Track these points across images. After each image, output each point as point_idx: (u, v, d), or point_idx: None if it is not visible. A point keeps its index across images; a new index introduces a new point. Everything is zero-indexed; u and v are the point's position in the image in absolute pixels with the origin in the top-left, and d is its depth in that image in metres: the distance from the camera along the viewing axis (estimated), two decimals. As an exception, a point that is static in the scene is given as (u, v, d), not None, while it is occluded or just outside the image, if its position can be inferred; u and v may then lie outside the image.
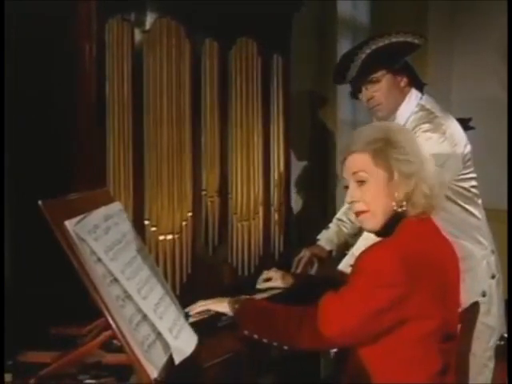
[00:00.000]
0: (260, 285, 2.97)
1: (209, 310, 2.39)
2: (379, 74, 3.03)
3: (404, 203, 2.13)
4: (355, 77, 3.05)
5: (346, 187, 2.22)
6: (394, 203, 2.13)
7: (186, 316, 2.32)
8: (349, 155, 2.18)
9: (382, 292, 2.03)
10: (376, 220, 2.16)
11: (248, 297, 2.54)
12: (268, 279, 2.94)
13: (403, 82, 3.07)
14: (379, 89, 3.04)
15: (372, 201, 2.14)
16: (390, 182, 2.13)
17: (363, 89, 3.08)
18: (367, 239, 2.73)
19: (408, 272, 2.03)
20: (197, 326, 2.27)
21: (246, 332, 2.24)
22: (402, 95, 3.07)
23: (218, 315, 2.39)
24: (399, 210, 2.13)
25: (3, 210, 2.44)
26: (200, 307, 2.40)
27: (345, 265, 2.96)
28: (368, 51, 3.02)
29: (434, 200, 2.15)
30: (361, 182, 2.16)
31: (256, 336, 2.22)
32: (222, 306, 2.33)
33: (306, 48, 4.16)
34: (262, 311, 2.25)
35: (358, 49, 3.06)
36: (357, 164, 2.16)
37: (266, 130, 3.38)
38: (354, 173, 2.17)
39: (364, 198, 2.16)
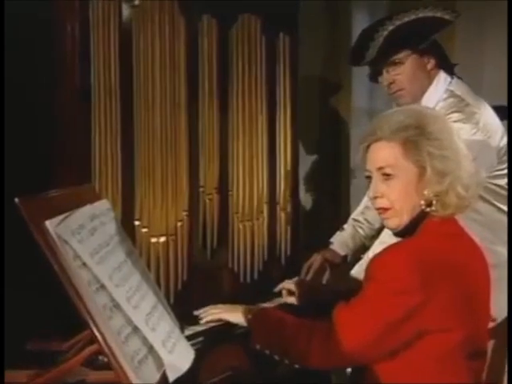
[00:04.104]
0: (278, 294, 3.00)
1: (221, 320, 2.41)
2: (403, 54, 3.02)
3: (434, 202, 2.11)
4: (375, 58, 3.03)
5: (368, 177, 2.19)
6: (422, 202, 2.12)
7: (182, 328, 2.33)
8: (374, 143, 2.16)
9: (396, 301, 2.04)
10: (400, 219, 2.15)
11: (264, 305, 2.55)
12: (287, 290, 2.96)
13: (430, 63, 3.05)
14: (402, 72, 3.02)
15: (398, 198, 2.13)
16: (420, 178, 2.11)
17: (384, 71, 3.06)
18: (385, 243, 2.73)
19: (425, 278, 2.04)
20: (206, 335, 2.29)
21: (257, 346, 2.25)
22: (429, 79, 3.05)
23: (231, 324, 2.42)
24: (428, 209, 2.12)
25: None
26: (211, 315, 2.41)
27: (359, 271, 2.97)
28: (391, 28, 2.99)
29: (467, 201, 2.14)
30: (387, 176, 2.14)
31: (267, 351, 2.23)
32: (235, 315, 2.34)
33: (316, 26, 4.16)
34: (273, 323, 2.26)
35: (380, 25, 3.03)
36: (384, 156, 2.14)
37: (271, 118, 3.38)
38: (380, 168, 2.15)
39: (389, 195, 2.14)
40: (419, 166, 2.11)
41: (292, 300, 2.83)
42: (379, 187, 2.15)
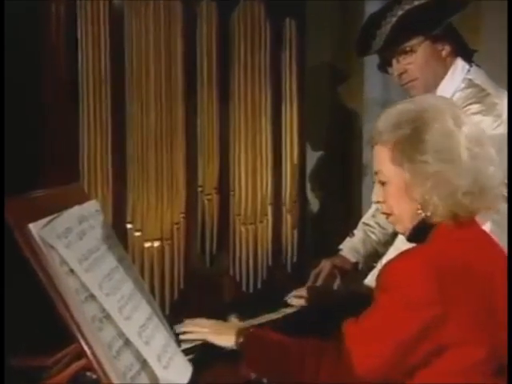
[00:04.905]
0: (291, 300, 3.04)
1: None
2: (414, 41, 3.00)
3: (430, 207, 2.13)
4: (383, 46, 3.03)
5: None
6: (419, 206, 2.14)
7: (178, 341, 2.33)
8: (374, 145, 2.21)
9: (411, 313, 2.02)
10: (402, 225, 2.19)
11: (254, 322, 2.54)
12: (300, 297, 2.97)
13: (445, 50, 3.04)
14: (414, 60, 3.01)
15: (394, 204, 2.18)
16: (408, 182, 2.14)
17: (394, 61, 3.05)
18: (400, 249, 2.72)
19: (444, 287, 2.02)
20: (193, 353, 2.28)
21: (252, 373, 2.24)
22: (444, 68, 3.04)
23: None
24: (424, 214, 2.14)
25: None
26: (194, 335, 2.38)
27: (372, 280, 2.96)
28: (400, 13, 2.98)
29: (469, 207, 2.14)
30: (383, 182, 2.19)
31: (265, 379, 2.23)
32: (223, 338, 2.30)
33: (326, 10, 4.15)
34: (271, 346, 2.23)
35: (388, 10, 3.01)
36: (376, 162, 2.19)
37: (275, 112, 3.38)
38: (376, 173, 2.20)
39: (387, 200, 2.19)
40: (405, 170, 2.14)
41: (300, 302, 2.86)
42: (379, 192, 2.22)
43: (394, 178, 2.16)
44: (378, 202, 2.22)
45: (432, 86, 3.03)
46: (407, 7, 2.99)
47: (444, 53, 3.04)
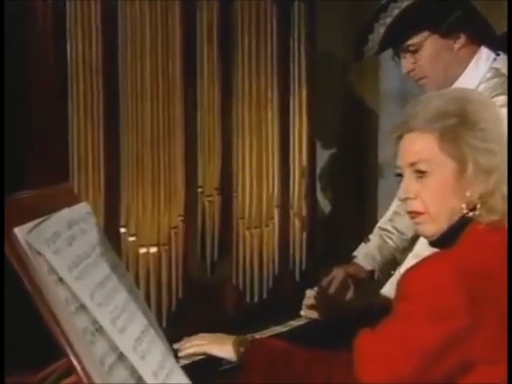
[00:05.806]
0: (304, 312, 3.06)
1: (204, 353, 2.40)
2: (418, 38, 2.97)
3: (478, 206, 2.12)
4: (381, 43, 3.01)
5: (399, 175, 2.21)
6: (463, 205, 2.12)
7: (176, 356, 2.34)
8: (407, 133, 2.17)
9: (436, 325, 2.01)
10: (436, 225, 2.15)
11: (257, 336, 2.53)
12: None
13: (459, 42, 3.00)
14: (420, 58, 3.00)
15: (433, 200, 2.13)
16: (460, 176, 2.12)
17: (402, 57, 3.05)
18: (420, 256, 2.72)
19: (472, 297, 2.02)
20: (189, 370, 2.29)
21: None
22: (459, 61, 3.00)
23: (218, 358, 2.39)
24: (470, 214, 2.13)
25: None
26: (193, 348, 2.39)
27: (390, 289, 2.97)
28: (406, 4, 2.97)
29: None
30: (420, 173, 2.15)
31: None
32: (223, 348, 2.32)
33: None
34: (277, 356, 2.23)
35: (393, 1, 2.99)
36: (417, 150, 2.14)
37: (283, 105, 3.39)
38: (413, 163, 2.15)
39: (422, 196, 2.14)
40: (459, 162, 2.12)
41: (314, 314, 2.85)
42: (411, 186, 2.16)
43: (442, 168, 2.13)
44: (406, 199, 2.17)
45: (444, 82, 2.98)
46: (404, 4, 2.96)
47: (457, 45, 3.00)
